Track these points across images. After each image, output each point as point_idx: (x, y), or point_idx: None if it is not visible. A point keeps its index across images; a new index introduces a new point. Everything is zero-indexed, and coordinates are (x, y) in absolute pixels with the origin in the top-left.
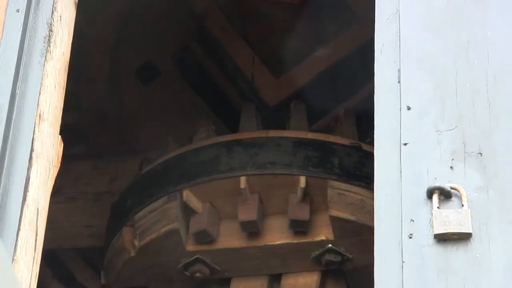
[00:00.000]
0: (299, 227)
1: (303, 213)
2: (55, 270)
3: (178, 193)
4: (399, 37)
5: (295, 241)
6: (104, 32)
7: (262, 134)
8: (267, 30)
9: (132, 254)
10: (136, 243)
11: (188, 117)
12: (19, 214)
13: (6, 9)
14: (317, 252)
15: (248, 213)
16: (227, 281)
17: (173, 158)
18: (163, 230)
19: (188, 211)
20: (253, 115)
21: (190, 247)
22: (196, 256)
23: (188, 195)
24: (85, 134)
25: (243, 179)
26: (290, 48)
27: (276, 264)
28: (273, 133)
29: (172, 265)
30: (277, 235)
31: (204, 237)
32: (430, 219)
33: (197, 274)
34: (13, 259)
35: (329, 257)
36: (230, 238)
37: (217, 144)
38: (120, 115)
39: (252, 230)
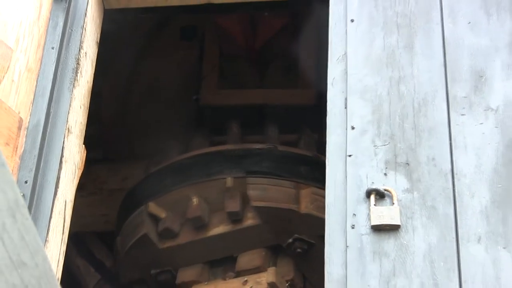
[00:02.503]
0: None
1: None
2: (78, 248)
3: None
4: (346, 73)
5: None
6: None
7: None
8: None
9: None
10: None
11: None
12: (51, 205)
13: (44, 46)
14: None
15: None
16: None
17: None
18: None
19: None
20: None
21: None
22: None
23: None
24: (102, 143)
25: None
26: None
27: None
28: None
29: None
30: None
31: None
32: (368, 214)
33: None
34: (46, 240)
35: (299, 245)
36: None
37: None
38: (129, 128)
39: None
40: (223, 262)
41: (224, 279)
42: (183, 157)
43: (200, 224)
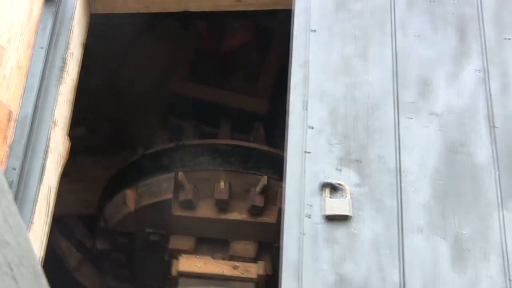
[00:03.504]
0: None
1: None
2: (62, 230)
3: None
4: (307, 78)
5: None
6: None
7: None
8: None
9: (131, 209)
10: (136, 202)
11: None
12: (37, 190)
13: (34, 46)
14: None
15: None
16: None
17: (170, 149)
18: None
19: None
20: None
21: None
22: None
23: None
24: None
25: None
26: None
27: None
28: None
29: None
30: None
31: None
32: (323, 205)
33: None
34: (31, 222)
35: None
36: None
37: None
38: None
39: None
40: (212, 242)
41: (213, 258)
42: (220, 142)
43: (221, 206)
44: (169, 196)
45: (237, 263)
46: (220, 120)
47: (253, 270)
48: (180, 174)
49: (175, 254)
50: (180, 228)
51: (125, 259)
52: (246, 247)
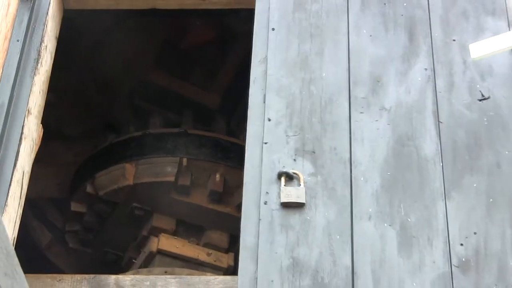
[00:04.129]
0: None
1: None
2: (34, 212)
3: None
4: (266, 73)
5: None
6: None
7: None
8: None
9: (130, 183)
10: (135, 178)
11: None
12: (11, 174)
13: (10, 39)
14: None
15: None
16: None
17: (174, 133)
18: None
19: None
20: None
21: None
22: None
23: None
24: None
25: None
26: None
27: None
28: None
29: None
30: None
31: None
32: (279, 193)
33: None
34: (5, 204)
35: None
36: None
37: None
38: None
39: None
40: (189, 226)
41: (188, 242)
42: (222, 137)
43: (213, 197)
44: (171, 179)
45: (210, 251)
46: (183, 110)
47: (224, 260)
48: (185, 160)
49: (156, 232)
50: (167, 209)
51: (97, 224)
52: (220, 237)
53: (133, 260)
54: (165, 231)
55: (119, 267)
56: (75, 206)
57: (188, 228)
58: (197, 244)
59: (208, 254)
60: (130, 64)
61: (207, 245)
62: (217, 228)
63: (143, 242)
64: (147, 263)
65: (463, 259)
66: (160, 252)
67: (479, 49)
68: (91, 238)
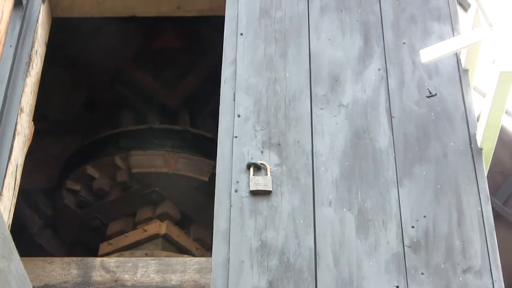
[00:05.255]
0: None
1: None
2: (26, 201)
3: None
4: (235, 74)
5: None
6: None
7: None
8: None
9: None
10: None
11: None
12: (5, 167)
13: (4, 44)
14: None
15: None
16: None
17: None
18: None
19: None
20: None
21: None
22: None
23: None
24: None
25: None
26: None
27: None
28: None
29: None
30: None
31: None
32: (248, 182)
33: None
34: (1, 194)
35: None
36: None
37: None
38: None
39: None
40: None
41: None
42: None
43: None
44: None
45: (198, 246)
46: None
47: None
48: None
49: (163, 217)
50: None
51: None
52: (207, 235)
53: (125, 235)
54: (171, 218)
55: (103, 235)
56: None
57: (184, 219)
58: (188, 237)
59: (196, 249)
60: (111, 57)
61: (196, 240)
62: (205, 226)
63: (145, 222)
64: (147, 241)
65: (414, 240)
66: (165, 236)
67: (428, 54)
68: (87, 202)
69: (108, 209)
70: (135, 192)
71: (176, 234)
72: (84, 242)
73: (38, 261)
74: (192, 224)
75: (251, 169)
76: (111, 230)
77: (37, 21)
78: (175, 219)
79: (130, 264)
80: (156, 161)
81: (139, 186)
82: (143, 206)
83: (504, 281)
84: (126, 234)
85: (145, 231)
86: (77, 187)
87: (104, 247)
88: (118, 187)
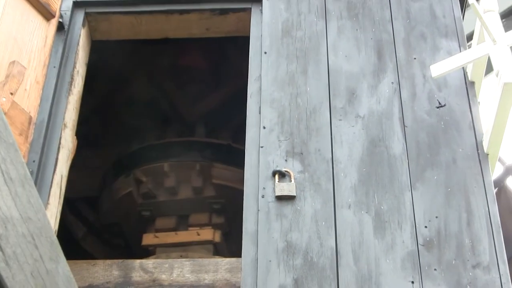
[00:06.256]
0: None
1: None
2: (70, 208)
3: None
4: (261, 89)
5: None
6: None
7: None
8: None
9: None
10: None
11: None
12: (51, 178)
13: (48, 66)
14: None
15: None
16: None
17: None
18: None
19: None
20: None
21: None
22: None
23: None
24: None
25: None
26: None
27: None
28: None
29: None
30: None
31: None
32: (274, 188)
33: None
34: (47, 203)
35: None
36: None
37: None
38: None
39: None
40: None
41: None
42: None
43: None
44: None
45: (198, 231)
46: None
47: (209, 233)
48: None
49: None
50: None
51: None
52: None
53: (175, 233)
54: (223, 229)
55: (147, 226)
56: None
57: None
58: (186, 228)
59: (198, 234)
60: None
61: (192, 225)
62: (198, 211)
63: (199, 227)
64: (199, 244)
65: (427, 239)
66: (216, 245)
67: (438, 69)
68: (150, 194)
69: (165, 206)
70: (205, 199)
71: (225, 245)
72: (125, 231)
73: (83, 264)
74: (231, 238)
75: (276, 176)
76: (159, 224)
77: (78, 44)
78: (224, 231)
79: (167, 265)
80: (236, 176)
81: (213, 194)
82: (200, 211)
83: None
84: (176, 233)
85: (198, 234)
86: (143, 178)
87: (148, 238)
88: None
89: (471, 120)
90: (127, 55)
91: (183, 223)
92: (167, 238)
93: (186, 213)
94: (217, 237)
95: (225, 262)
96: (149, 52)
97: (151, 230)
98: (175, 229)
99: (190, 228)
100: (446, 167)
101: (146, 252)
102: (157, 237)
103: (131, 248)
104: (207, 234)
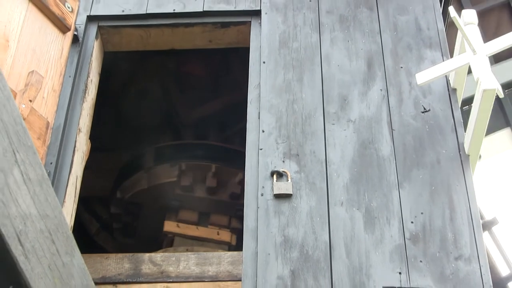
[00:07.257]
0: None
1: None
2: (85, 207)
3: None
4: (260, 96)
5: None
6: None
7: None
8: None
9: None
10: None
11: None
12: (67, 179)
13: (64, 75)
14: None
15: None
16: None
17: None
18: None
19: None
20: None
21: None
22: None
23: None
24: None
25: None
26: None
27: None
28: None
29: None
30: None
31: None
32: (272, 187)
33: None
34: (64, 201)
35: None
36: None
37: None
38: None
39: None
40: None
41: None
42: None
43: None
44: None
45: (218, 230)
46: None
47: (227, 235)
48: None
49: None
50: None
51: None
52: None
53: (197, 227)
54: (237, 234)
55: (167, 214)
56: (114, 209)
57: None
58: (207, 226)
59: (218, 233)
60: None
61: (213, 225)
62: (218, 213)
63: (218, 227)
64: (217, 243)
65: (414, 233)
66: (231, 247)
67: (422, 77)
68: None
69: (197, 201)
70: (235, 204)
71: (193, 230)
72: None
73: (96, 257)
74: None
75: (274, 176)
76: (182, 216)
77: (92, 55)
78: (239, 236)
79: (174, 258)
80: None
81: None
82: (222, 213)
83: None
84: (197, 227)
85: (218, 234)
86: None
87: (171, 225)
88: (227, 192)
89: (453, 124)
90: (138, 62)
91: (204, 220)
92: (188, 230)
93: (208, 212)
94: (234, 240)
95: (227, 255)
96: (158, 60)
97: (172, 220)
98: (196, 223)
99: (210, 226)
100: (430, 167)
101: (154, 247)
102: (179, 227)
103: (140, 242)
104: (226, 235)
